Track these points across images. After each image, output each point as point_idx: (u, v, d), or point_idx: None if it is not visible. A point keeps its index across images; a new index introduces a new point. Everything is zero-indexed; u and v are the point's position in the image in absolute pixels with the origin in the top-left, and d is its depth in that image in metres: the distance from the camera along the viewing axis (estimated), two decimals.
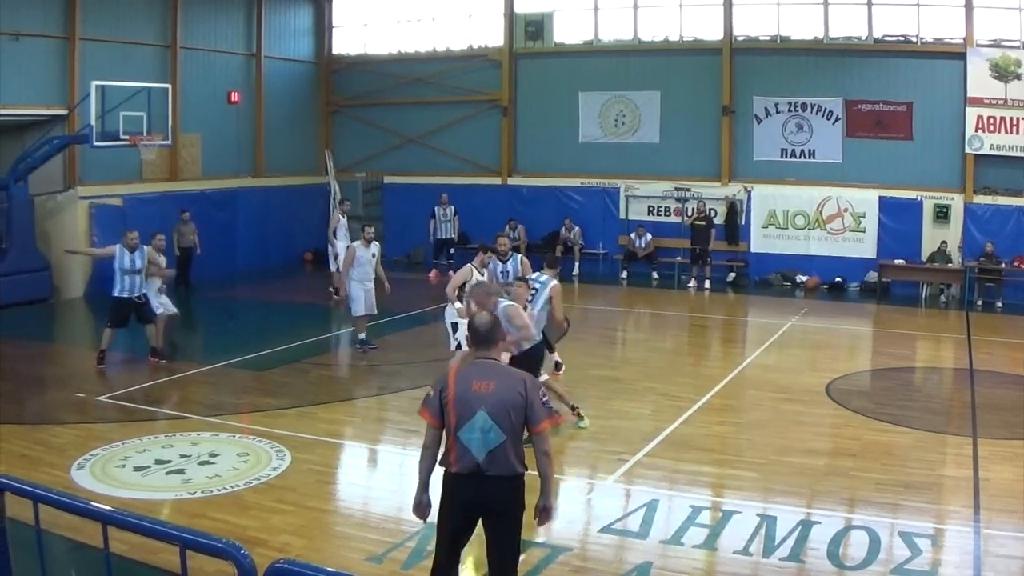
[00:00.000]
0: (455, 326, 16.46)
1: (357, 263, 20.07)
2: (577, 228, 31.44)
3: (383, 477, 13.31)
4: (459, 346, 16.50)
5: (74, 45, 27.03)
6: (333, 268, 26.24)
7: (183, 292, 25.91)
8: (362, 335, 20.16)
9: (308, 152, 36.63)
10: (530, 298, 14.46)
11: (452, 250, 31.22)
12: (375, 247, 20.54)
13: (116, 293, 18.49)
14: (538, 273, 15.45)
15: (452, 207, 31.60)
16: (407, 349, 20.65)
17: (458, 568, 7.84)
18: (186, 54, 30.83)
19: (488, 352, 7.63)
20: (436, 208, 31.51)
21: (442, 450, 7.54)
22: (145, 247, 18.68)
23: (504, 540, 7.68)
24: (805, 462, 12.65)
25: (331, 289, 26.15)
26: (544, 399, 7.59)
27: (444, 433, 7.46)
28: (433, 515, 7.74)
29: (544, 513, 7.89)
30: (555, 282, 15.03)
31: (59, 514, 7.12)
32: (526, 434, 7.62)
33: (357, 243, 20.56)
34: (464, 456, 7.35)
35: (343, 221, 26.78)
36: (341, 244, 25.82)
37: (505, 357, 13.06)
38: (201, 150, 31.86)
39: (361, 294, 20.10)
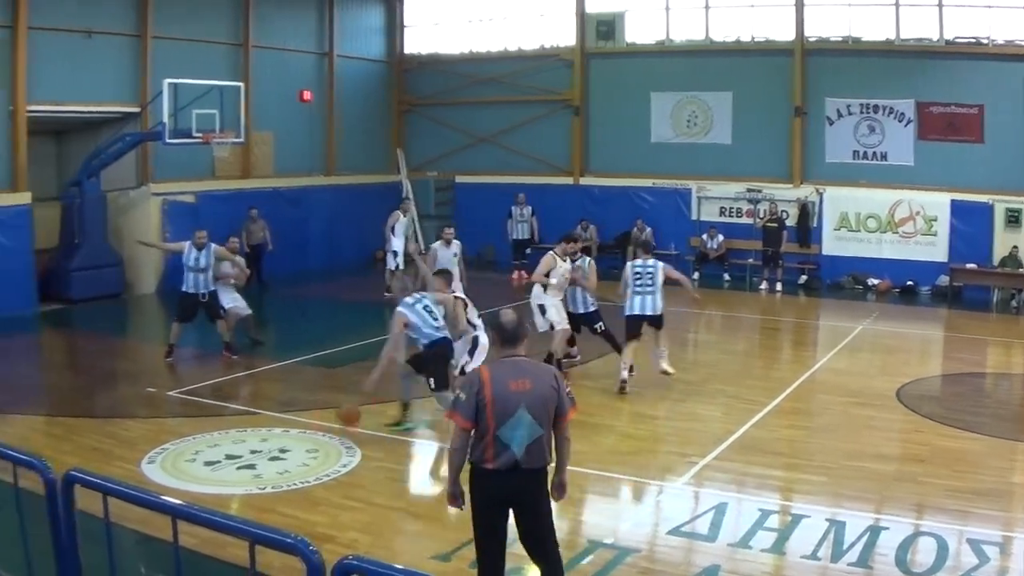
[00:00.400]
0: (543, 308, 17.50)
1: (438, 264, 19.69)
2: (649, 229, 31.39)
3: None
4: (551, 327, 17.47)
5: (146, 43, 27.45)
6: (391, 266, 26.31)
7: (256, 289, 26.14)
8: None
9: (380, 151, 36.90)
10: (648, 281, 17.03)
11: (528, 250, 30.80)
12: (456, 246, 20.76)
13: (183, 289, 19.04)
14: (644, 259, 17.44)
15: (529, 207, 31.52)
16: None
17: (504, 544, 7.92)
18: (258, 53, 31.17)
19: (515, 350, 7.83)
20: (513, 208, 31.48)
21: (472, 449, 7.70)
22: (213, 245, 18.97)
23: (539, 522, 7.85)
24: (875, 467, 12.61)
25: (386, 290, 25.78)
26: (567, 390, 7.87)
27: (475, 433, 7.59)
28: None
29: (560, 489, 8.13)
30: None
31: (129, 507, 7.28)
32: None
33: (437, 244, 20.73)
34: (503, 453, 7.55)
35: (403, 219, 26.81)
36: (397, 242, 26.09)
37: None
38: (273, 148, 32.19)
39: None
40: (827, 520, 10.65)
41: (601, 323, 17.88)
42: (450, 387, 14.20)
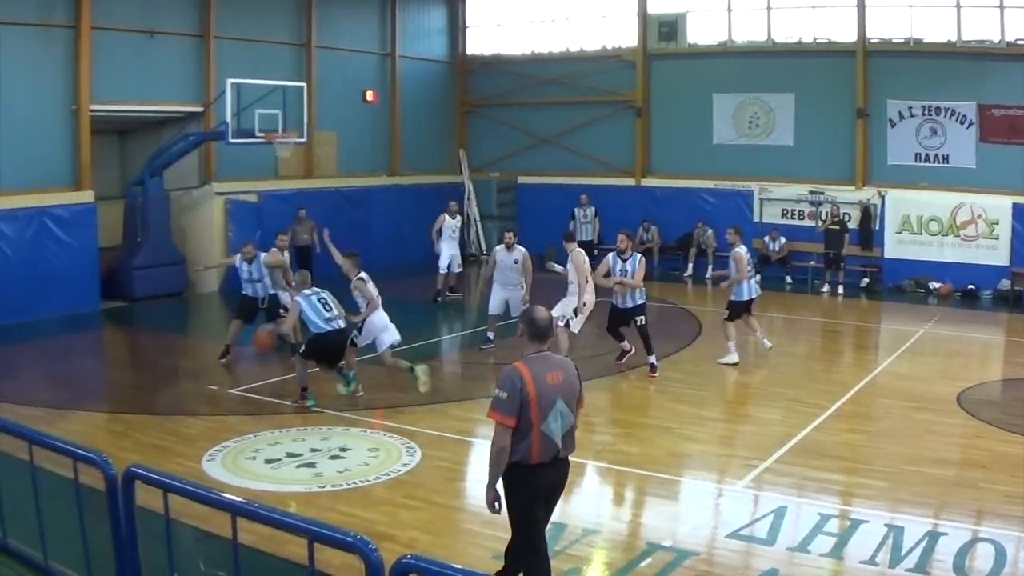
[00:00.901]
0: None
1: (498, 269, 19.94)
2: (711, 231, 31.40)
3: None
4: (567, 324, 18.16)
5: (209, 43, 27.86)
6: (442, 270, 26.22)
7: None
8: (489, 334, 20.37)
9: (442, 151, 37.12)
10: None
11: (595, 252, 29.78)
12: (519, 252, 19.89)
13: (243, 292, 19.36)
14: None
15: (593, 208, 31.42)
16: None
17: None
18: (321, 53, 31.50)
19: (544, 345, 8.06)
20: (576, 210, 31.33)
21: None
22: (261, 255, 19.21)
23: (553, 509, 8.38)
24: (934, 472, 12.60)
25: (436, 295, 26.15)
26: (581, 379, 8.24)
27: (517, 430, 7.72)
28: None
29: None
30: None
31: (188, 504, 7.50)
32: None
33: (499, 248, 20.24)
34: (548, 446, 7.81)
35: (449, 222, 26.45)
36: (444, 247, 25.98)
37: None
38: (337, 148, 32.45)
39: (500, 296, 20.07)
40: (886, 525, 10.66)
41: (643, 317, 18.25)
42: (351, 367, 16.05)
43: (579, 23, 35.50)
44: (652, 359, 18.16)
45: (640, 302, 18.11)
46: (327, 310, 15.63)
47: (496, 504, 7.99)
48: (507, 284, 19.94)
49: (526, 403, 7.67)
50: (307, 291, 15.86)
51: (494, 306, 20.24)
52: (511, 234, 20.15)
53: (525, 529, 8.07)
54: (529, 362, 7.91)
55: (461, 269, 25.59)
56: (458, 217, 26.00)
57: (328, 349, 15.86)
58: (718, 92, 32.64)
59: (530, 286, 19.76)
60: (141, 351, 20.35)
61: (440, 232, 26.28)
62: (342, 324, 15.82)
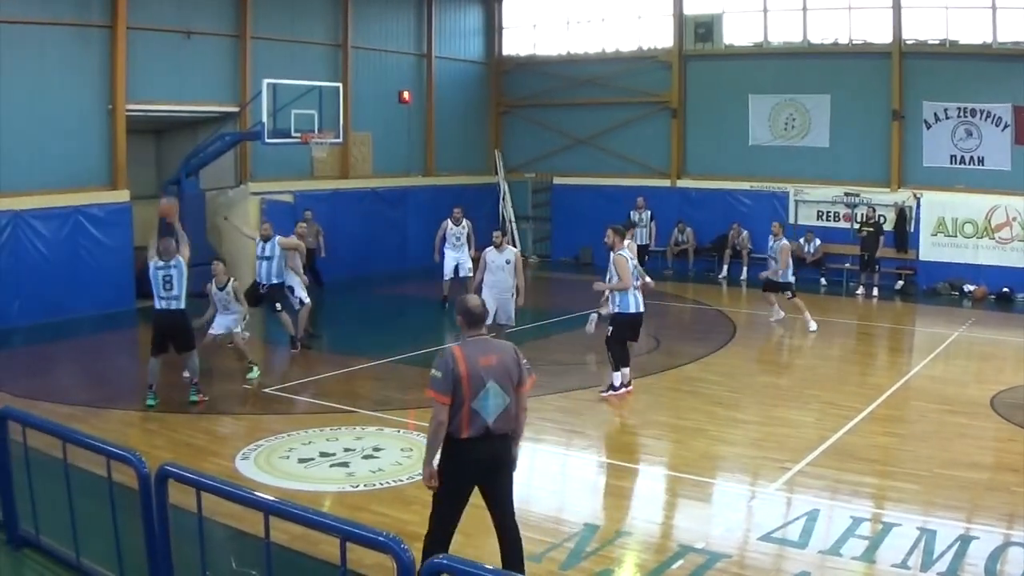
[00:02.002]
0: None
1: (489, 270, 18.82)
2: (745, 232, 31.34)
3: (543, 477, 13.51)
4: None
5: (245, 44, 28.06)
6: (447, 276, 25.48)
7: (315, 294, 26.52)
8: None
9: (478, 152, 37.23)
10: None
11: (647, 257, 29.23)
12: (510, 252, 19.01)
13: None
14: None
15: (648, 211, 31.05)
16: (572, 350, 20.71)
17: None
18: (357, 53, 31.68)
19: (479, 330, 8.77)
20: (632, 213, 30.72)
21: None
22: (277, 237, 19.46)
23: (506, 487, 8.86)
24: (967, 476, 12.53)
25: (443, 300, 25.54)
26: (525, 362, 8.81)
27: (451, 407, 8.36)
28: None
29: (513, 461, 8.95)
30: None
31: (221, 502, 7.54)
32: None
33: (489, 249, 19.07)
34: (476, 422, 8.42)
35: (452, 229, 25.54)
36: (449, 253, 25.39)
37: None
38: (372, 148, 32.54)
39: (491, 305, 18.22)
40: (918, 529, 10.61)
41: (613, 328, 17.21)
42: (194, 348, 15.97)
43: (615, 24, 35.53)
44: (615, 377, 16.79)
45: (618, 310, 16.84)
46: (167, 288, 15.40)
47: (433, 480, 8.58)
48: (498, 287, 18.75)
49: (458, 382, 8.33)
50: (160, 262, 15.52)
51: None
52: (499, 234, 19.33)
53: (444, 501, 8.67)
54: (465, 345, 8.61)
55: (472, 274, 25.06)
56: (463, 223, 25.43)
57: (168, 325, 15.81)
58: (754, 93, 32.58)
59: (523, 287, 18.96)
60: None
61: (444, 238, 25.55)
62: (177, 303, 15.51)
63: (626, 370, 16.72)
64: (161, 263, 15.49)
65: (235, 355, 18.31)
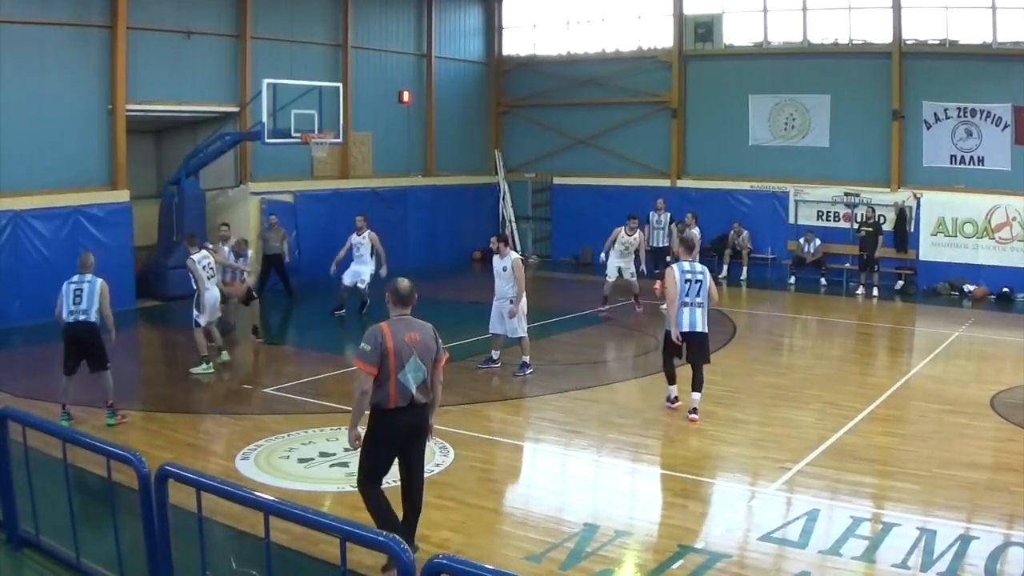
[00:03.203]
0: None
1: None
2: (746, 232, 31.32)
3: (544, 477, 13.56)
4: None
5: (245, 44, 28.10)
6: (347, 282, 24.18)
7: (285, 300, 26.83)
8: (492, 352, 18.81)
9: (478, 152, 37.25)
10: None
11: (668, 258, 27.61)
12: (508, 259, 18.24)
13: None
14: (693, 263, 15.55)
15: (668, 213, 30.42)
16: (573, 350, 20.78)
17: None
18: (357, 54, 31.73)
19: (406, 310, 9.74)
20: (651, 214, 29.76)
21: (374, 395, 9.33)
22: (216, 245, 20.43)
23: (419, 451, 9.84)
24: (967, 476, 12.52)
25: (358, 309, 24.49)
26: (439, 341, 9.81)
27: (378, 379, 9.30)
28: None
29: (430, 429, 9.93)
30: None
31: (221, 502, 7.54)
32: None
33: (495, 255, 18.57)
34: (402, 392, 9.35)
35: (354, 240, 24.11)
36: (351, 268, 24.12)
37: None
38: (372, 148, 32.56)
39: (494, 312, 18.47)
40: (918, 529, 10.60)
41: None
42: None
43: (615, 24, 35.54)
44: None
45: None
46: (76, 302, 15.01)
47: (356, 442, 9.63)
48: (497, 294, 18.38)
49: (385, 355, 9.27)
50: (75, 278, 15.25)
51: (493, 324, 18.70)
52: (496, 239, 18.83)
53: (373, 464, 9.62)
54: (391, 323, 9.58)
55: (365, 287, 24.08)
56: (365, 234, 23.91)
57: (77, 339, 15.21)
58: (754, 93, 32.59)
59: (519, 296, 18.05)
60: (175, 350, 20.43)
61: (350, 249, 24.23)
62: (86, 316, 15.02)
63: (672, 387, 15.90)
64: (75, 278, 15.18)
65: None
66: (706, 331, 15.37)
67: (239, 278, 21.17)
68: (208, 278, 18.58)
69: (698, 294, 15.05)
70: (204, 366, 18.14)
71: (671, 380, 15.82)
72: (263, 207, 28.01)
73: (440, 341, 9.81)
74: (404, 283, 9.84)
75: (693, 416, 15.14)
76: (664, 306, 16.70)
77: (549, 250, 36.96)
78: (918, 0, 29.46)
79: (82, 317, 14.94)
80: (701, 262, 16.06)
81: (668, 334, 15.28)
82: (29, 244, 22.83)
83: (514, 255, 18.37)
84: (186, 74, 26.53)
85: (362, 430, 9.59)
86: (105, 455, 8.21)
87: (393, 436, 9.50)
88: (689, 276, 15.10)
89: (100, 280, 15.18)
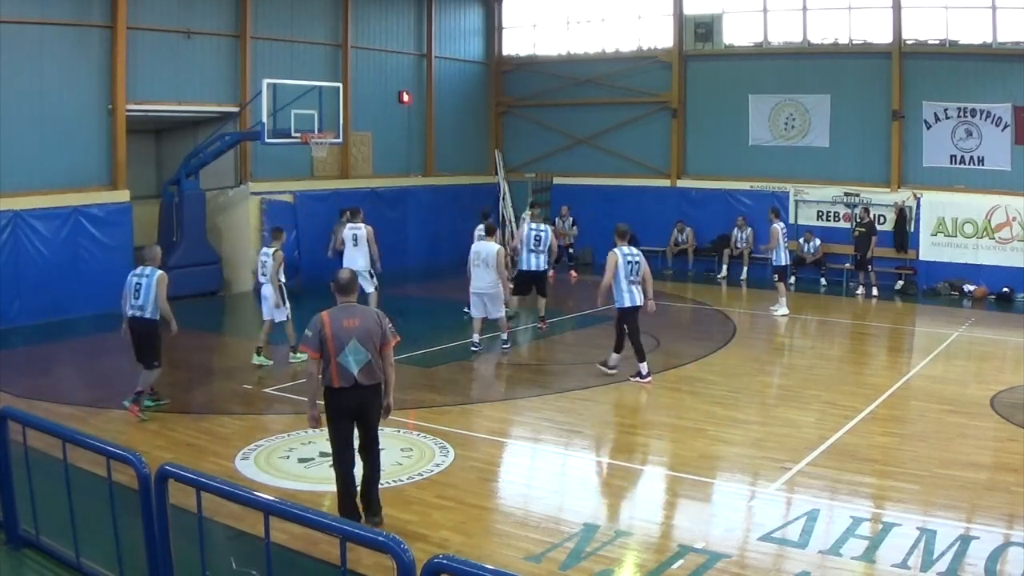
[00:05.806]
0: None
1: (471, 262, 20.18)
2: (749, 229, 31.30)
3: (544, 477, 13.52)
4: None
5: (245, 44, 28.05)
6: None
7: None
8: (475, 336, 20.05)
9: (478, 152, 37.24)
10: None
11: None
12: (492, 249, 19.96)
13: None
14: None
15: (571, 217, 30.54)
16: (575, 350, 20.83)
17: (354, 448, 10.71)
18: (357, 53, 31.72)
19: (349, 298, 10.57)
20: (557, 220, 30.45)
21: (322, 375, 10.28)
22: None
23: (373, 418, 10.66)
24: (967, 476, 12.51)
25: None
26: (389, 325, 10.59)
27: (322, 361, 10.25)
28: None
29: (386, 410, 10.82)
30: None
31: (221, 502, 7.54)
32: None
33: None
34: (344, 374, 10.22)
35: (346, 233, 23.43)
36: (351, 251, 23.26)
37: None
38: (372, 149, 32.56)
39: (474, 297, 20.21)
40: (918, 529, 10.59)
41: None
42: (158, 362, 15.52)
43: (615, 24, 35.51)
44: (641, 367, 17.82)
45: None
46: (136, 296, 15.34)
47: (313, 423, 10.75)
48: (474, 281, 20.03)
49: (324, 340, 10.18)
50: (137, 271, 15.68)
51: (474, 310, 20.39)
52: (481, 227, 20.57)
53: (333, 437, 10.55)
54: (333, 310, 10.42)
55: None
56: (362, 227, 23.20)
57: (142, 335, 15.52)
58: (754, 93, 32.57)
59: (504, 282, 20.13)
60: (175, 350, 20.37)
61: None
62: (148, 312, 15.35)
63: (643, 363, 17.53)
64: (138, 271, 15.52)
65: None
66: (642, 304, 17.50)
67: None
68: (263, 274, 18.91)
69: (637, 274, 17.35)
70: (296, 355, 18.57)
71: (640, 356, 17.50)
72: (263, 207, 28.00)
73: (388, 326, 10.57)
74: (345, 272, 10.88)
75: (644, 380, 17.44)
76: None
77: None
78: (918, 0, 29.44)
79: (139, 313, 15.27)
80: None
81: (624, 311, 17.40)
82: (29, 244, 22.80)
83: (497, 246, 20.10)
84: (186, 74, 26.51)
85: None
86: (105, 455, 8.21)
87: (342, 412, 10.42)
88: (630, 258, 17.35)
89: (160, 272, 15.50)
